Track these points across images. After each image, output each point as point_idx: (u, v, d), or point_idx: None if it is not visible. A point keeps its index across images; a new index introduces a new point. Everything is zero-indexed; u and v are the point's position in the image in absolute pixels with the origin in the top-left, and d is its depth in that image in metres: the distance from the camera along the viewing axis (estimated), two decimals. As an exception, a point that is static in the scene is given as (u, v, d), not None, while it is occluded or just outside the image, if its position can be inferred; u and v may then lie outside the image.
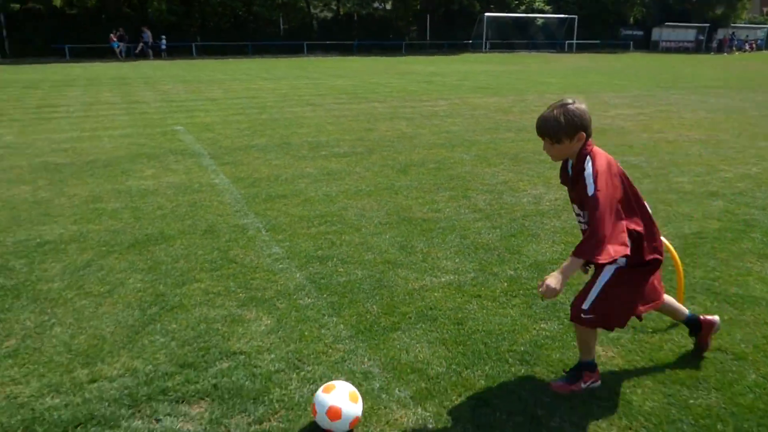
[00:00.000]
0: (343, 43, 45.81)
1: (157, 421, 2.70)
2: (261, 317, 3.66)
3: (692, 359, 3.14)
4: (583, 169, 2.59)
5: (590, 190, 2.53)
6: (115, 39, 38.29)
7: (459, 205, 5.95)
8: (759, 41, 59.87)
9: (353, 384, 2.79)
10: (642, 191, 2.88)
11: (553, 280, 2.47)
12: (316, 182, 6.87)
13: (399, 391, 2.89)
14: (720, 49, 53.39)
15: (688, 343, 3.26)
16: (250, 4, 43.17)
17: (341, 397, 2.59)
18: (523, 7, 52.73)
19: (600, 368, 2.98)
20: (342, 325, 3.55)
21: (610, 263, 2.61)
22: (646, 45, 55.54)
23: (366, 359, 3.18)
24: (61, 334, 3.44)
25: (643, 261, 2.74)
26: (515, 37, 51.42)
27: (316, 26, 48.18)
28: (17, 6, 37.74)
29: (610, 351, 3.23)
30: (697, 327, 3.12)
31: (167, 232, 5.17)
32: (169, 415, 2.74)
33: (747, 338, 3.36)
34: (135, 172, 7.38)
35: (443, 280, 4.19)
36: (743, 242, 4.91)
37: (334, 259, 4.56)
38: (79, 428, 2.65)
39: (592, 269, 2.87)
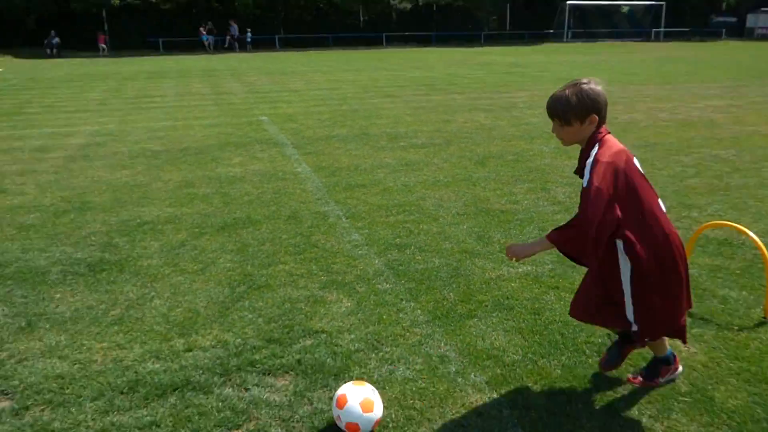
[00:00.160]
0: (422, 34, 45.78)
1: (246, 390, 2.90)
2: (341, 299, 3.81)
3: (782, 360, 3.04)
4: (588, 156, 2.43)
5: (584, 182, 2.38)
6: (204, 32, 39.95)
7: (537, 197, 5.91)
8: None
9: (429, 366, 2.88)
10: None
11: (520, 246, 2.64)
12: (395, 172, 6.99)
13: (474, 375, 2.96)
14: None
15: (778, 344, 3.14)
16: (332, -3, 43.93)
17: (355, 410, 2.49)
18: (607, -5, 50.95)
19: (682, 363, 2.94)
20: (419, 311, 3.65)
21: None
22: (740, 32, 52.04)
23: (442, 344, 3.26)
24: (160, 307, 3.73)
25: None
26: (598, 26, 49.66)
27: (395, 17, 48.35)
28: (117, 1, 40.03)
29: (693, 347, 3.17)
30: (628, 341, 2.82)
31: (254, 216, 5.43)
32: (257, 385, 2.93)
33: (844, 342, 3.20)
34: (224, 159, 7.76)
35: (520, 270, 4.21)
36: None
37: (412, 247, 4.67)
38: (176, 392, 2.88)
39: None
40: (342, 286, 4.00)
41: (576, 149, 2.56)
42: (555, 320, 3.49)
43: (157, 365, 3.09)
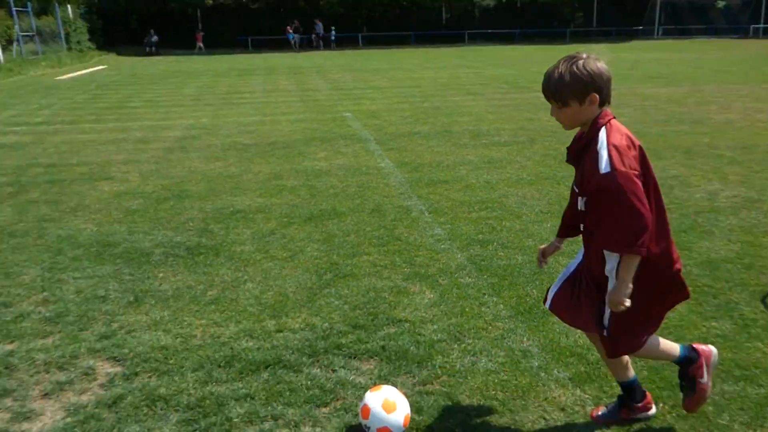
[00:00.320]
0: (505, 31, 45.07)
1: (333, 371, 3.03)
2: (424, 291, 3.89)
3: None
4: (594, 141, 2.15)
5: (604, 167, 2.07)
6: (290, 31, 41.08)
7: (625, 199, 5.77)
8: None
9: (511, 360, 2.91)
10: None
11: (619, 295, 2.16)
12: (477, 169, 7.00)
13: (558, 371, 2.97)
14: None
15: None
16: (415, -5, 44.07)
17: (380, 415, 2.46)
18: (701, -11, 48.30)
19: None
20: (501, 305, 3.67)
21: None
22: None
23: (525, 339, 3.28)
24: (253, 289, 3.94)
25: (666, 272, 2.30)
26: (691, 22, 47.14)
27: (478, 15, 47.87)
28: (210, 1, 41.87)
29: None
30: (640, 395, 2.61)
31: (339, 209, 5.61)
32: (343, 367, 3.06)
33: None
34: (309, 154, 8.02)
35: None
36: None
37: (495, 243, 4.68)
38: (268, 368, 3.05)
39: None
40: (425, 279, 4.08)
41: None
42: (642, 321, 3.43)
43: (251, 343, 3.29)
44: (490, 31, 45.19)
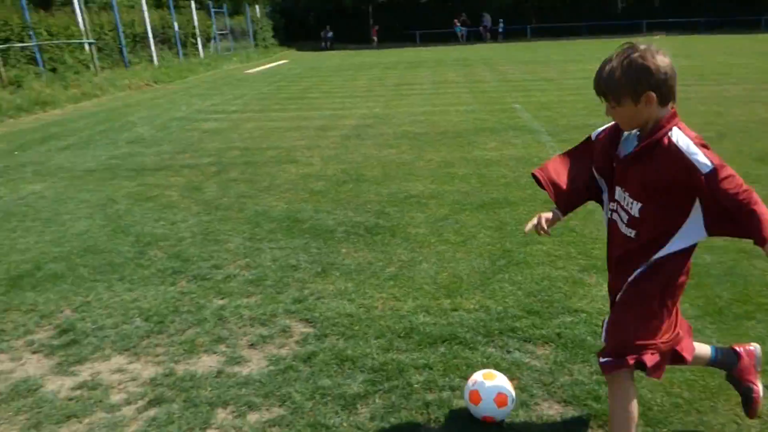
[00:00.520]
0: (687, 20, 41.33)
1: (508, 352, 3.10)
2: (601, 283, 3.80)
3: None
4: (663, 141, 1.93)
5: (705, 165, 1.88)
6: (458, 24, 41.25)
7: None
8: None
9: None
10: None
11: None
12: (659, 164, 6.60)
13: (752, 377, 2.78)
14: None
15: None
16: (590, -17, 41.98)
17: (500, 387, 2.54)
18: None
19: None
20: (687, 304, 3.48)
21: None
22: None
23: (713, 340, 3.09)
24: (428, 270, 4.12)
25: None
26: None
27: (658, 3, 44.37)
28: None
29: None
30: None
31: (510, 198, 5.62)
32: (518, 350, 3.11)
33: None
34: (479, 143, 8.09)
35: (812, 278, 3.75)
36: None
37: (679, 241, 4.43)
38: (445, 343, 3.20)
39: None
40: (602, 272, 3.97)
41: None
42: None
43: (428, 318, 3.46)
44: (671, 20, 41.72)
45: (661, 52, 1.93)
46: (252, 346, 3.29)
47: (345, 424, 2.62)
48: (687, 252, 2.09)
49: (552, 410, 2.65)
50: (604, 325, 2.27)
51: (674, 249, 2.06)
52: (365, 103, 12.68)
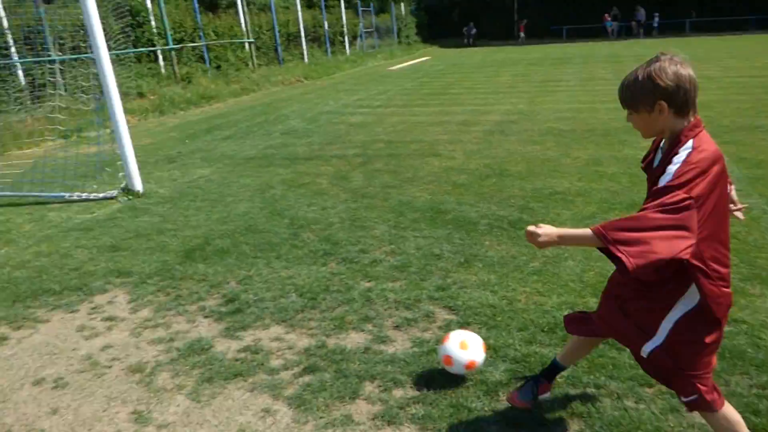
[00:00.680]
0: None
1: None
2: (766, 294, 3.53)
3: None
4: (675, 155, 1.89)
5: (668, 176, 1.84)
6: (608, 19, 39.25)
7: None
8: None
9: None
10: None
11: (546, 230, 1.94)
12: (842, 170, 5.92)
13: None
14: None
15: None
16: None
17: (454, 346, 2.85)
18: None
19: None
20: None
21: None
22: None
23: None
24: (573, 267, 4.05)
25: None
26: None
27: None
28: (528, -8, 42.43)
29: None
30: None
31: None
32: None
33: None
34: (631, 142, 7.71)
35: None
36: None
37: None
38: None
39: None
40: (766, 282, 3.68)
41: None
42: None
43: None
44: None
45: (683, 63, 1.94)
46: (397, 327, 3.44)
47: (486, 409, 2.68)
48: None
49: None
50: None
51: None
52: (509, 100, 12.53)
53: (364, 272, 4.19)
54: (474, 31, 41.00)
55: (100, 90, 6.53)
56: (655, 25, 38.94)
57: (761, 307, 3.39)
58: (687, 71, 1.93)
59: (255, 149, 8.85)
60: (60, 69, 9.07)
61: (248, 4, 21.61)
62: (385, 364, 3.07)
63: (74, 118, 8.90)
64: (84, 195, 6.65)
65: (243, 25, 20.50)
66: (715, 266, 1.94)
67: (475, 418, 2.64)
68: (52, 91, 8.12)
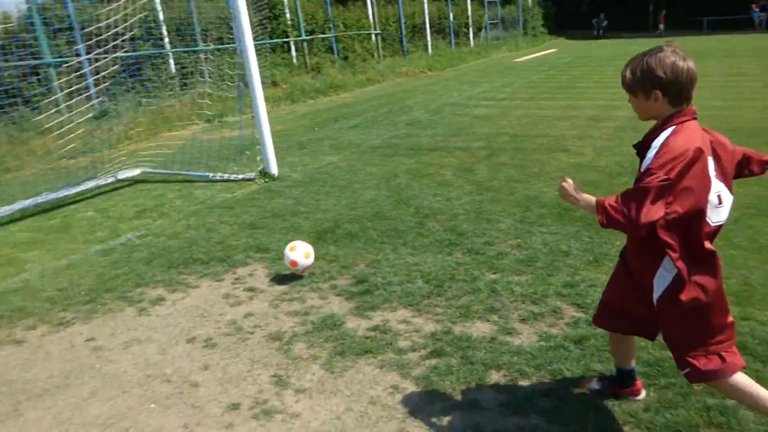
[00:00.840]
0: None
1: (810, 374, 2.78)
2: None
3: None
4: (656, 138, 2.06)
5: (647, 160, 2.03)
6: (756, 9, 35.99)
7: None
8: None
9: None
10: None
11: (569, 187, 2.25)
12: None
13: None
14: None
15: None
16: None
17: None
18: None
19: None
20: None
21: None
22: None
23: None
24: (713, 274, 3.84)
25: None
26: None
27: None
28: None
29: None
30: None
31: (821, 207, 4.89)
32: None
33: None
34: (782, 144, 7.10)
35: None
36: None
37: None
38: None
39: None
40: None
41: None
42: None
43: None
44: None
45: (684, 56, 2.07)
46: (523, 320, 3.46)
47: (617, 409, 2.65)
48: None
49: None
50: None
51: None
52: (642, 95, 11.89)
53: (490, 264, 4.23)
54: (605, 22, 39.12)
55: (243, 78, 7.00)
56: (814, 15, 35.17)
57: None
58: (686, 64, 2.06)
59: (380, 139, 9.09)
60: (205, 58, 9.82)
61: (376, -4, 22.08)
62: (511, 355, 3.10)
63: (217, 104, 9.60)
64: (225, 176, 7.19)
65: (370, 16, 20.96)
66: (686, 250, 2.11)
67: (603, 418, 2.62)
68: (200, 79, 8.81)
